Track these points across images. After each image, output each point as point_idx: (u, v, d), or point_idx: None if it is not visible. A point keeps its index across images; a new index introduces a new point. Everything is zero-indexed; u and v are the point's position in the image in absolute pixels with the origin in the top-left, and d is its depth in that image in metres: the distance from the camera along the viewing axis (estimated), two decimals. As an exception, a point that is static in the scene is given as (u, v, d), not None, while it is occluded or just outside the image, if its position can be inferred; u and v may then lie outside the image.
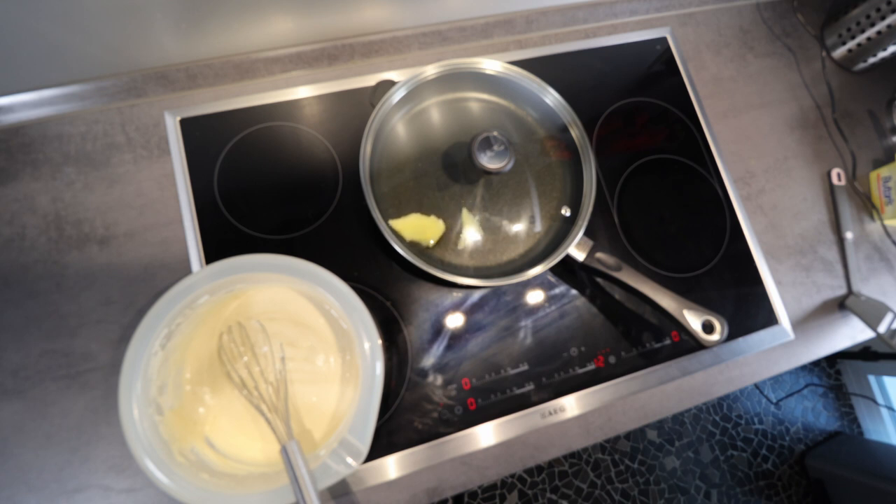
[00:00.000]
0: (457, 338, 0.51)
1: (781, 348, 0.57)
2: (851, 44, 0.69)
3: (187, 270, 0.48)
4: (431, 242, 0.48)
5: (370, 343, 0.39)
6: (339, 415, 0.43)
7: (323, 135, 0.54)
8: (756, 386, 1.49)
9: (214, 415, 0.42)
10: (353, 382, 0.43)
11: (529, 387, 0.50)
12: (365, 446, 0.37)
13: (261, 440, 0.42)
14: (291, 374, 0.44)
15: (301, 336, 0.45)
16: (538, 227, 0.51)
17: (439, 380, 0.49)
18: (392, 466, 0.46)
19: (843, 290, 0.62)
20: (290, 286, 0.45)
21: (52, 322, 0.46)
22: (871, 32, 0.66)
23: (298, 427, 0.43)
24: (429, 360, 0.49)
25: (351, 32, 0.58)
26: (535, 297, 0.53)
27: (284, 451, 0.37)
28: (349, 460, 0.37)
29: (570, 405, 0.50)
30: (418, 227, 0.48)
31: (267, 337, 0.44)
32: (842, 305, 0.61)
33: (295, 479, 0.36)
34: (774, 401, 1.47)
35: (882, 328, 0.58)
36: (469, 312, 0.52)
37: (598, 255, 0.50)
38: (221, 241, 0.50)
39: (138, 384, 0.37)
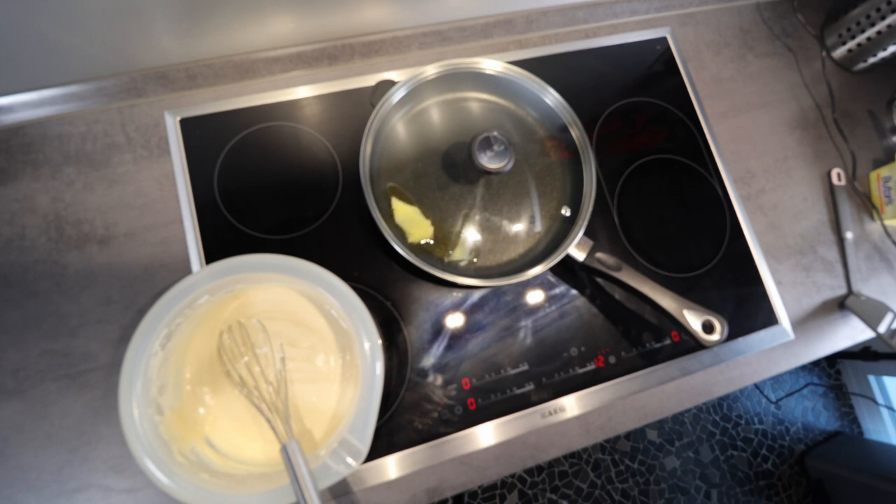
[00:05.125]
0: (457, 338, 0.51)
1: (781, 348, 0.57)
2: (851, 44, 0.69)
3: (187, 270, 0.48)
4: (421, 241, 0.48)
5: (370, 343, 0.39)
6: (339, 415, 0.43)
7: (323, 135, 0.54)
8: (756, 386, 1.49)
9: (214, 415, 0.42)
10: (354, 382, 0.43)
11: (529, 387, 0.50)
12: (365, 446, 0.37)
13: (261, 440, 0.42)
14: (291, 373, 0.44)
15: (301, 336, 0.45)
16: (538, 227, 0.51)
17: (439, 380, 0.49)
18: (392, 466, 0.46)
19: (843, 290, 0.62)
20: (290, 286, 0.45)
21: (52, 322, 0.46)
22: (871, 32, 0.66)
23: (298, 427, 0.43)
24: (429, 360, 0.49)
25: (351, 32, 0.58)
26: (535, 297, 0.53)
27: (284, 450, 0.37)
28: (349, 460, 0.37)
29: (570, 405, 0.50)
30: (411, 219, 0.48)
31: (267, 336, 0.44)
32: (842, 305, 0.61)
33: (295, 479, 0.36)
34: (774, 401, 1.47)
35: (882, 328, 0.58)
36: (469, 312, 0.52)
37: (598, 255, 0.50)
38: (221, 241, 0.50)
39: (138, 384, 0.37)
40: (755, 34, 0.71)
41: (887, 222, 0.65)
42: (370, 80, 0.56)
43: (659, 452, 1.37)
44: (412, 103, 0.52)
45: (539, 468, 1.30)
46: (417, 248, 0.48)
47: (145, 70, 0.53)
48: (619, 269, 0.49)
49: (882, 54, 0.68)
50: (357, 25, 0.57)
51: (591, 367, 0.52)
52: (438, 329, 0.51)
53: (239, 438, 0.42)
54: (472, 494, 1.26)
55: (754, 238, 0.61)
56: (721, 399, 1.46)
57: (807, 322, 0.59)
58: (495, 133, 0.47)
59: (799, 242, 0.63)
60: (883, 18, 0.64)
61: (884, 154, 0.70)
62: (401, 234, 0.48)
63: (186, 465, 0.37)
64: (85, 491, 0.43)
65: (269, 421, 0.40)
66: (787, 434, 1.45)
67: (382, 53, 0.59)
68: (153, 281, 0.48)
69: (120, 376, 0.37)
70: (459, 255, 0.49)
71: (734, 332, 0.56)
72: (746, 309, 0.58)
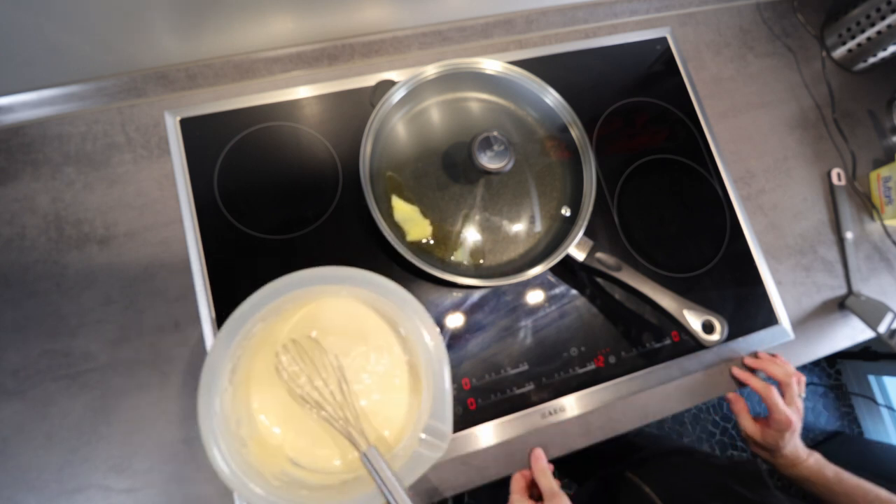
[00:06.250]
0: (457, 337, 0.51)
1: (781, 348, 0.57)
2: (851, 44, 0.69)
3: (187, 270, 0.48)
4: (419, 240, 0.49)
5: (428, 331, 0.39)
6: (412, 406, 0.42)
7: (323, 135, 0.54)
8: (756, 386, 1.48)
9: (289, 435, 0.42)
10: (417, 376, 0.42)
11: (529, 387, 0.50)
12: (448, 427, 0.38)
13: (339, 448, 0.42)
14: (354, 382, 0.43)
15: (356, 342, 0.44)
16: (538, 227, 0.51)
17: (439, 380, 0.49)
18: (392, 466, 0.46)
19: (843, 290, 0.62)
20: (335, 295, 0.44)
21: (52, 322, 0.46)
22: (871, 32, 0.66)
23: (370, 429, 0.42)
24: (429, 360, 0.49)
25: (351, 32, 0.58)
26: (535, 297, 0.53)
27: (366, 458, 0.37)
28: (438, 443, 0.37)
29: (570, 405, 0.50)
30: (410, 218, 0.48)
31: (323, 350, 0.43)
32: (842, 305, 0.61)
33: (382, 483, 0.36)
34: (774, 401, 1.47)
35: (882, 328, 0.58)
36: (469, 312, 0.52)
37: (598, 255, 0.50)
38: (221, 241, 0.50)
39: (217, 424, 0.36)
40: (755, 34, 0.71)
41: (887, 222, 0.65)
42: (370, 80, 0.56)
43: (659, 452, 1.37)
44: (412, 103, 0.52)
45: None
46: (417, 248, 0.48)
47: (145, 70, 0.53)
48: (619, 269, 0.49)
49: (882, 54, 0.68)
50: (357, 25, 0.57)
51: (591, 367, 0.52)
52: (438, 329, 0.51)
53: (319, 451, 0.42)
54: (473, 494, 1.26)
55: (754, 238, 0.61)
56: (721, 399, 1.45)
57: (807, 322, 0.59)
58: (495, 133, 0.47)
59: (799, 242, 0.63)
60: (883, 18, 0.64)
61: (884, 154, 0.70)
62: (399, 232, 0.48)
63: (283, 487, 0.37)
64: (85, 491, 0.43)
65: (340, 431, 0.40)
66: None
67: (382, 53, 0.59)
68: (153, 281, 0.48)
69: (199, 421, 0.36)
70: (459, 255, 0.49)
71: (734, 332, 0.56)
72: (746, 309, 0.58)
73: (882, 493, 0.46)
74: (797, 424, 0.50)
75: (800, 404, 0.51)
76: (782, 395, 0.51)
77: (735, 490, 0.46)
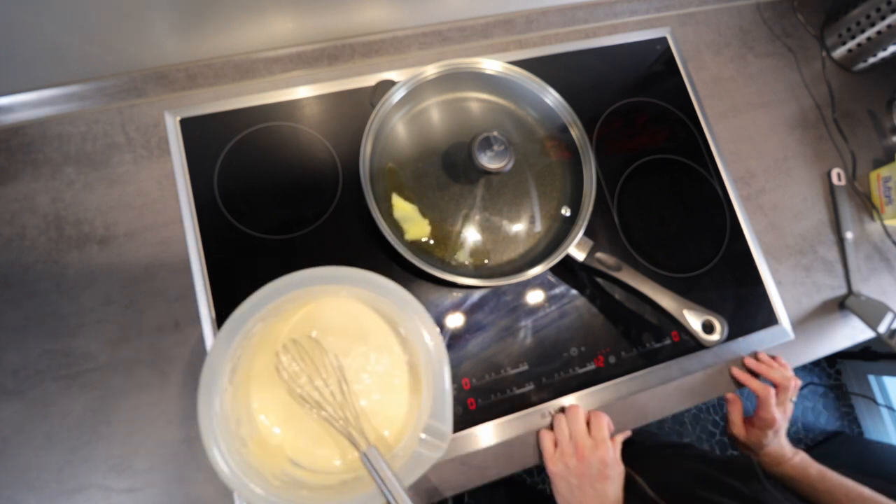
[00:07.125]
0: (457, 338, 0.51)
1: (781, 348, 0.57)
2: (851, 44, 0.69)
3: (187, 270, 0.48)
4: (418, 239, 0.49)
5: (428, 331, 0.39)
6: (412, 406, 0.42)
7: (323, 135, 0.54)
8: (756, 386, 1.48)
9: (289, 435, 0.42)
10: (417, 375, 0.42)
11: (529, 387, 0.50)
12: (448, 427, 0.38)
13: (339, 448, 0.42)
14: (354, 382, 0.43)
15: (356, 342, 0.44)
16: (538, 227, 0.51)
17: (439, 380, 0.49)
18: (392, 466, 0.46)
19: (843, 290, 0.62)
20: (335, 295, 0.44)
21: (52, 322, 0.46)
22: (871, 32, 0.66)
23: (370, 429, 0.42)
24: (429, 360, 0.49)
25: (351, 32, 0.58)
26: (535, 296, 0.53)
27: (366, 458, 0.37)
28: (438, 443, 0.37)
29: (571, 405, 0.50)
30: (409, 217, 0.48)
31: (323, 349, 0.43)
32: (842, 305, 0.61)
33: (382, 482, 0.36)
34: (774, 401, 1.47)
35: (882, 328, 0.58)
36: (469, 312, 0.52)
37: (598, 255, 0.50)
38: (221, 241, 0.50)
39: (217, 424, 0.36)
40: (755, 34, 0.71)
41: (887, 222, 0.65)
42: (370, 80, 0.56)
43: (659, 452, 1.37)
44: (412, 103, 0.52)
45: (539, 468, 1.30)
46: (417, 248, 0.48)
47: (145, 70, 0.53)
48: (619, 269, 0.49)
49: (882, 54, 0.68)
50: (357, 25, 0.57)
51: (591, 367, 0.52)
52: (438, 329, 0.51)
53: (319, 451, 0.42)
54: (473, 494, 1.26)
55: (754, 238, 0.61)
56: (721, 399, 1.45)
57: (807, 322, 0.59)
58: (495, 133, 0.47)
59: (799, 242, 0.63)
60: (883, 18, 0.64)
61: (884, 154, 0.70)
62: (399, 232, 0.48)
63: (283, 487, 0.37)
64: (85, 491, 0.43)
65: (340, 431, 0.40)
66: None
67: (382, 53, 0.59)
68: (153, 281, 0.48)
69: (199, 421, 0.36)
70: (459, 255, 0.49)
71: (734, 332, 0.56)
72: (746, 309, 0.58)
73: (865, 490, 0.47)
74: (781, 424, 0.51)
75: (789, 407, 0.53)
76: (776, 394, 0.52)
77: (728, 483, 0.46)
